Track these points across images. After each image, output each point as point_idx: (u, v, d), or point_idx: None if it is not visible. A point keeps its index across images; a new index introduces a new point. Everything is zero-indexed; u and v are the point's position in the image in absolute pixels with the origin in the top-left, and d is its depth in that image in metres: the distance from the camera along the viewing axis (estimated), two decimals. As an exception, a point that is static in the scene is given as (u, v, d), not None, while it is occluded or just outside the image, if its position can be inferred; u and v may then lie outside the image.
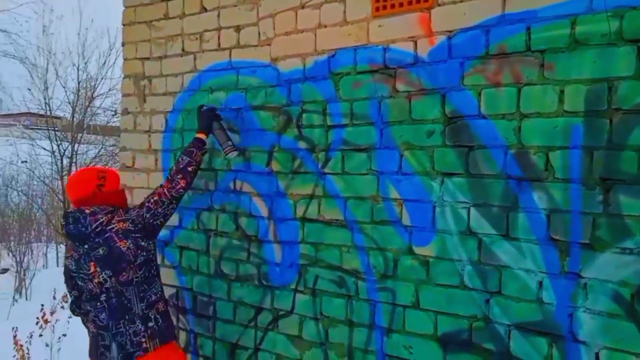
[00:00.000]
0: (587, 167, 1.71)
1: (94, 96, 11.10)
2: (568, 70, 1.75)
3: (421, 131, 2.05)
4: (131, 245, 2.43)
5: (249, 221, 2.61)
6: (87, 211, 2.46)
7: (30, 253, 11.67)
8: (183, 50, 2.86)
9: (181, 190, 2.48)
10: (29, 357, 4.90)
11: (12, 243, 11.46)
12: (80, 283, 2.49)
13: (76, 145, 10.71)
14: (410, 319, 2.08)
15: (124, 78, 3.18)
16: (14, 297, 9.37)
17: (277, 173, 2.50)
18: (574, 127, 1.74)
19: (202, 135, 2.59)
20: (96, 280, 2.46)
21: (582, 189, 1.72)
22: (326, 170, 2.33)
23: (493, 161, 1.89)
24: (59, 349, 5.33)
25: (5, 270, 11.65)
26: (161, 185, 2.50)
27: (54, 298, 6.23)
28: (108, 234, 2.43)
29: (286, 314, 2.47)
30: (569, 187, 1.74)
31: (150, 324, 2.47)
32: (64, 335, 5.37)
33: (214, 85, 2.73)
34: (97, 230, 2.43)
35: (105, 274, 2.44)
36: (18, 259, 10.57)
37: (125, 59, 3.17)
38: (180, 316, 2.88)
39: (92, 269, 2.43)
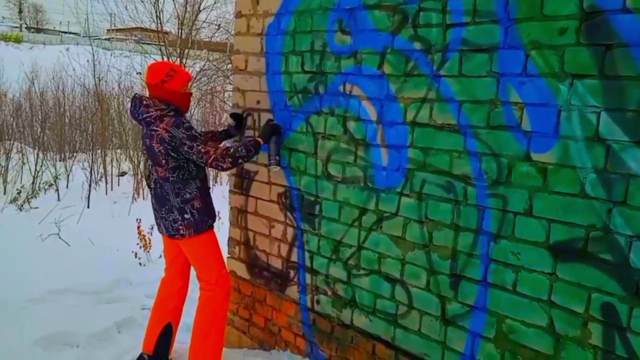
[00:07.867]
0: None
1: (200, 9, 11.31)
2: None
3: (553, 29, 1.89)
4: (162, 150, 2.74)
5: (357, 125, 2.63)
6: (144, 102, 2.79)
7: (145, 158, 12.71)
8: (297, -52, 2.81)
9: (219, 166, 2.73)
10: (150, 245, 5.52)
11: (129, 149, 12.53)
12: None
13: (183, 60, 11.16)
14: (520, 226, 2.05)
15: (237, -20, 3.21)
16: (133, 197, 10.41)
17: (389, 76, 2.47)
18: None
19: (261, 140, 2.87)
20: (149, 163, 2.87)
21: None
22: (442, 72, 2.26)
23: (635, 61, 1.72)
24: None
25: (123, 174, 12.88)
26: (218, 148, 2.74)
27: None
28: (151, 132, 2.76)
29: (390, 216, 2.53)
30: None
31: (186, 216, 2.86)
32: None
33: (327, -15, 2.68)
34: (146, 120, 2.77)
35: (150, 160, 2.84)
36: (135, 163, 11.59)
37: (239, -40, 3.18)
38: (288, 213, 3.05)
39: (143, 148, 2.87)
